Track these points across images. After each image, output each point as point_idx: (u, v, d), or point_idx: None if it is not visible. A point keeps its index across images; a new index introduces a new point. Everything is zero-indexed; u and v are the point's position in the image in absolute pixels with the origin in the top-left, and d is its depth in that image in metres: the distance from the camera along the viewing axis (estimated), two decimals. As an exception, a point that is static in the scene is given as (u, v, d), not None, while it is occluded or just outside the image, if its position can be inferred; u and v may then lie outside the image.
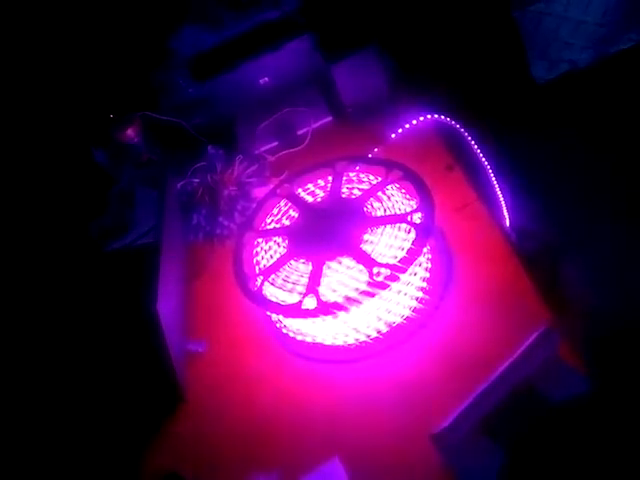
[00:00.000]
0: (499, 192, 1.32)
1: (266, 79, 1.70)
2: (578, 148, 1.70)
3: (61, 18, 1.69)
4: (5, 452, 1.16)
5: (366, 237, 1.12)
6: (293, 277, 1.13)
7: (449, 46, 1.83)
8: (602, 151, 1.67)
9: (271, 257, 1.20)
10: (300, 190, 1.31)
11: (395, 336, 1.10)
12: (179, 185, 1.57)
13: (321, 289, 1.06)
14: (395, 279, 1.02)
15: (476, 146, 1.32)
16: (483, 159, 1.32)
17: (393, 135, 1.36)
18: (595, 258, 1.47)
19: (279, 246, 1.22)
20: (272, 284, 1.14)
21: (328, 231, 1.16)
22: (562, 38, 1.83)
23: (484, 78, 1.80)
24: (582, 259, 1.44)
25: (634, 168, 1.59)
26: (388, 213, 1.17)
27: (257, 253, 1.23)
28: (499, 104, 1.77)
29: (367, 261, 1.06)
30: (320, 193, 1.30)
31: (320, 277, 1.08)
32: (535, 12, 1.79)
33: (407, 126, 1.34)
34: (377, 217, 1.16)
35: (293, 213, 1.27)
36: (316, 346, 1.15)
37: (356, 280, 1.05)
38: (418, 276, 1.12)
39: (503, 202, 1.31)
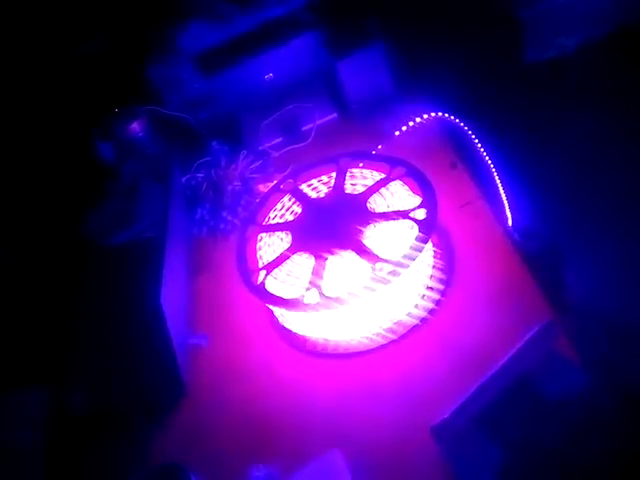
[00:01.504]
0: (502, 191, 1.32)
1: (271, 75, 1.71)
2: (582, 147, 1.71)
3: (67, 13, 1.70)
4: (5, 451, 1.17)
5: (369, 233, 1.12)
6: (296, 271, 1.14)
7: (454, 44, 1.83)
8: (607, 150, 1.67)
9: (274, 252, 1.21)
10: (304, 186, 1.32)
11: (397, 331, 1.11)
12: (183, 180, 1.58)
13: (324, 284, 1.07)
14: (397, 275, 1.03)
15: (480, 144, 1.33)
16: (487, 157, 1.33)
17: (397, 132, 1.36)
18: (598, 258, 1.47)
19: (282, 241, 1.22)
20: (275, 278, 1.14)
21: (331, 226, 1.17)
22: (559, 25, 1.84)
23: (489, 76, 1.81)
24: (585, 259, 1.44)
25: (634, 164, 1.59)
26: (391, 209, 1.17)
27: (260, 248, 1.23)
28: (504, 103, 1.77)
29: (370, 256, 1.07)
30: (324, 189, 1.30)
31: (323, 272, 1.09)
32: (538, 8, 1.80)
33: (411, 123, 1.35)
34: (380, 213, 1.17)
35: (297, 208, 1.28)
36: (318, 340, 1.16)
37: (359, 275, 1.06)
38: (420, 272, 1.12)
39: (506, 201, 1.31)
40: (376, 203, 1.20)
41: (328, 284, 1.07)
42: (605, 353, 1.16)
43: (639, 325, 1.29)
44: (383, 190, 1.21)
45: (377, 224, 1.14)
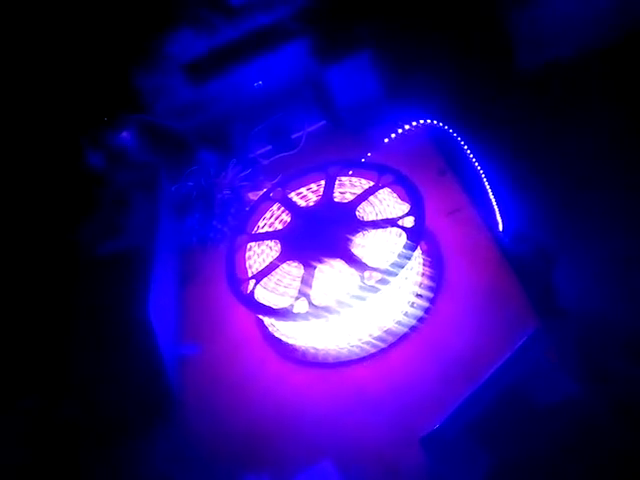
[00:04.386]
0: (492, 196, 1.33)
1: (260, 83, 1.71)
2: (572, 153, 1.71)
3: (58, 20, 1.69)
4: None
5: (358, 241, 1.12)
6: (285, 281, 1.13)
7: (444, 50, 1.84)
8: (597, 155, 1.68)
9: (263, 261, 1.21)
10: (293, 194, 1.32)
11: (387, 340, 1.10)
12: (173, 188, 1.58)
13: (313, 292, 1.07)
14: (386, 283, 1.03)
15: (469, 151, 1.33)
16: (476, 163, 1.33)
17: (386, 140, 1.37)
18: (590, 263, 1.48)
19: (271, 250, 1.22)
20: (264, 288, 1.14)
21: (320, 235, 1.17)
22: (552, 33, 1.84)
23: (479, 83, 1.81)
24: (576, 264, 1.45)
25: (631, 172, 1.59)
26: (380, 217, 1.17)
27: (249, 257, 1.23)
28: (491, 107, 1.77)
29: (359, 265, 1.07)
30: (312, 197, 1.30)
31: (312, 281, 1.08)
32: (528, 10, 1.80)
33: (400, 131, 1.35)
34: (369, 221, 1.17)
35: (286, 217, 1.28)
36: (308, 350, 1.16)
37: (348, 283, 1.06)
38: (409, 280, 1.12)
39: (496, 206, 1.32)
40: (365, 211, 1.20)
41: (317, 293, 1.07)
42: (597, 360, 1.16)
43: (632, 330, 1.29)
44: (372, 198, 1.21)
45: (366, 232, 1.14)
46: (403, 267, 1.04)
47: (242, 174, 1.60)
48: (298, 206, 1.28)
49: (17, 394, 1.23)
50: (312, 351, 1.15)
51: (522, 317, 1.05)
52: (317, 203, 1.27)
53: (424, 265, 1.19)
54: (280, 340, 1.19)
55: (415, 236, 1.08)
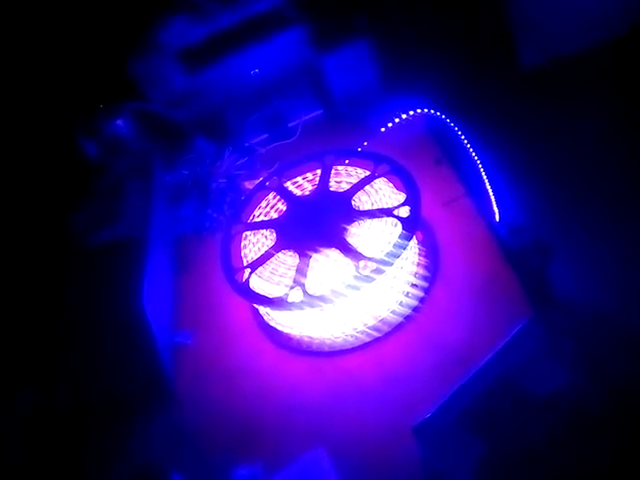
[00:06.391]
0: (488, 186, 1.32)
1: (257, 71, 1.70)
2: (572, 143, 1.71)
3: (54, 9, 1.68)
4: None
5: (353, 230, 1.12)
6: (280, 270, 1.13)
7: (442, 40, 1.83)
8: (597, 146, 1.67)
9: (259, 250, 1.21)
10: (289, 183, 1.31)
11: (381, 329, 1.10)
12: (168, 177, 1.57)
13: (308, 282, 1.06)
14: (381, 272, 1.02)
15: (465, 140, 1.32)
16: (473, 153, 1.32)
17: (383, 129, 1.36)
18: (587, 254, 1.47)
19: (267, 239, 1.22)
20: (259, 277, 1.14)
21: (316, 224, 1.17)
22: (553, 25, 1.83)
23: (474, 70, 1.80)
24: (573, 255, 1.44)
25: (633, 161, 1.59)
26: (376, 207, 1.17)
27: (245, 246, 1.23)
28: (490, 97, 1.77)
29: (354, 254, 1.06)
30: (308, 186, 1.30)
31: (307, 270, 1.08)
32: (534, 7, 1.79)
33: (397, 120, 1.35)
34: (364, 210, 1.16)
35: (281, 206, 1.27)
36: (302, 338, 1.16)
37: (343, 273, 1.06)
38: (405, 269, 1.12)
39: (492, 196, 1.31)
40: (360, 201, 1.19)
41: (312, 282, 1.07)
42: (593, 353, 1.16)
43: (627, 322, 1.29)
44: (368, 188, 1.21)
45: (361, 222, 1.13)
46: (398, 257, 1.04)
47: (238, 162, 1.59)
48: (294, 195, 1.28)
49: (12, 386, 1.23)
50: (307, 340, 1.15)
51: (517, 308, 1.05)
52: (313, 192, 1.26)
53: (419, 255, 1.19)
54: (275, 329, 1.19)
55: (411, 226, 1.08)
